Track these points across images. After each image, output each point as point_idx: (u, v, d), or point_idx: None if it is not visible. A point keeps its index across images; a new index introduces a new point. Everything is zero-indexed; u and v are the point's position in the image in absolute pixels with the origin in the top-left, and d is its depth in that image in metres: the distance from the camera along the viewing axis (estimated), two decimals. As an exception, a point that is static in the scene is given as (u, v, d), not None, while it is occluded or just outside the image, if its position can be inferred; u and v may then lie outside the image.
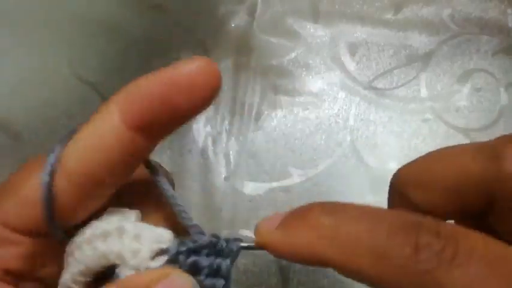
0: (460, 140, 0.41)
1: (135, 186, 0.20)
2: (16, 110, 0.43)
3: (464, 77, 0.43)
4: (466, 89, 0.42)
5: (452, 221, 0.20)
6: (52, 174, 0.17)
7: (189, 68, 0.16)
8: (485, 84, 0.42)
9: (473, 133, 0.41)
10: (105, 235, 0.18)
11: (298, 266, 0.38)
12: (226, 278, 0.18)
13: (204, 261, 0.18)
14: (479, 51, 0.43)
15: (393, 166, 0.41)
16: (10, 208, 0.18)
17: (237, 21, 0.45)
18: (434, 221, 0.16)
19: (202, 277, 0.18)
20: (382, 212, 0.17)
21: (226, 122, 0.42)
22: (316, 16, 0.45)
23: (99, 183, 0.18)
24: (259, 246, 0.19)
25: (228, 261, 0.19)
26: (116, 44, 0.45)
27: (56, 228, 0.18)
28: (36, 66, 0.44)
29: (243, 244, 0.19)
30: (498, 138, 0.18)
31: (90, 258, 0.18)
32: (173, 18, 0.45)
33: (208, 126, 0.42)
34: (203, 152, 0.42)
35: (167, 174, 0.21)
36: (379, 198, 0.40)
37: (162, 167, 0.21)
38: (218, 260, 0.18)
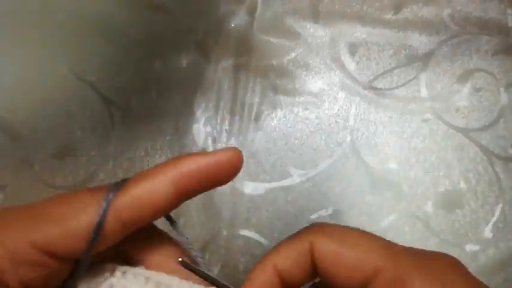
0: (460, 140, 0.41)
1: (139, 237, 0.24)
2: (16, 109, 0.43)
3: (464, 77, 0.43)
4: (466, 89, 0.42)
5: None
6: (104, 218, 0.20)
7: (229, 155, 0.22)
8: (485, 84, 0.42)
9: (473, 133, 0.41)
10: None
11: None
12: None
13: None
14: (479, 51, 0.43)
15: (393, 166, 0.41)
16: (56, 236, 0.20)
17: (237, 21, 0.45)
18: None
19: None
20: None
21: (226, 122, 0.42)
22: (316, 16, 0.45)
23: (139, 227, 0.22)
24: None
25: None
26: (115, 44, 0.45)
27: (88, 258, 0.21)
28: (36, 66, 0.44)
29: None
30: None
31: None
32: (173, 18, 0.45)
33: (208, 126, 0.42)
34: (203, 152, 0.42)
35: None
36: (379, 198, 0.40)
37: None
38: None
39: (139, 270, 0.21)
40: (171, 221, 0.23)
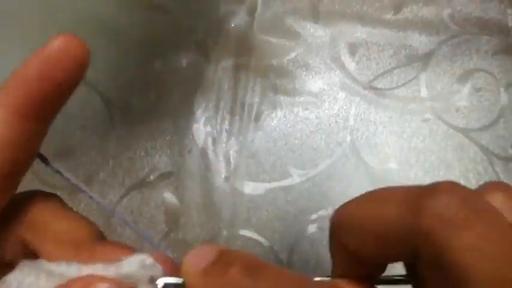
0: (460, 140, 0.41)
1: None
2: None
3: (464, 77, 0.43)
4: (466, 89, 0.42)
5: None
6: None
7: (57, 43, 0.18)
8: (485, 84, 0.42)
9: (473, 133, 0.41)
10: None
11: (298, 267, 0.38)
12: None
13: None
14: (479, 51, 0.43)
15: (393, 166, 0.41)
16: None
17: (237, 21, 0.45)
18: None
19: None
20: (302, 281, 0.17)
21: (226, 122, 0.42)
22: (316, 16, 0.45)
23: (2, 177, 0.18)
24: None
25: None
26: (116, 44, 0.45)
27: None
28: (36, 66, 0.44)
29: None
30: (427, 186, 0.16)
31: None
32: (173, 18, 0.45)
33: (208, 126, 0.42)
34: (203, 152, 0.42)
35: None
36: (379, 198, 0.40)
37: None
38: None
39: (36, 263, 0.20)
40: (43, 159, 0.20)
